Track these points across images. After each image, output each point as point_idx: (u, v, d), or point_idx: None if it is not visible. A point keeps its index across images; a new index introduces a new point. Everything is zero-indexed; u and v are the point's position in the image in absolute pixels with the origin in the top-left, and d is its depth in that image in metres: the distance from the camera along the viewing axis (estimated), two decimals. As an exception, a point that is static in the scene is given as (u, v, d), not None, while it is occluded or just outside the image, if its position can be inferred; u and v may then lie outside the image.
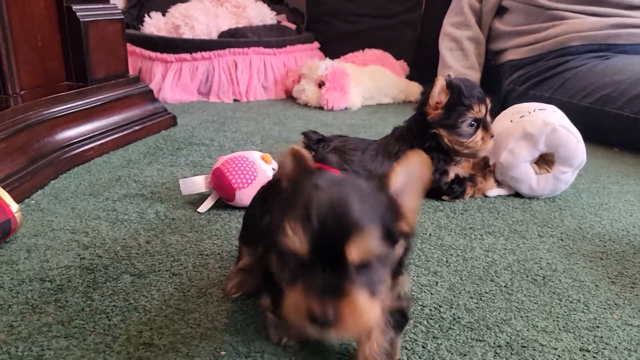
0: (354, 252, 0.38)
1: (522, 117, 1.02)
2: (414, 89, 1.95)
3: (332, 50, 2.18)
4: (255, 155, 0.94)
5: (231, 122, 1.53)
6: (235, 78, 1.82)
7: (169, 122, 1.43)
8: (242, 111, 1.68)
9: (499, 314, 0.64)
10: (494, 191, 1.03)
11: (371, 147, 1.01)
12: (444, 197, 1.00)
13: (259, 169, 0.91)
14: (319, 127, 1.51)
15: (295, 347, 0.56)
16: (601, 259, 0.80)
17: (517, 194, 1.04)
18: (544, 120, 0.96)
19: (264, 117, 1.61)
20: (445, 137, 0.97)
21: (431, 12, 2.19)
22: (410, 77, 2.07)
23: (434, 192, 1.00)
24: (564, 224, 0.92)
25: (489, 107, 0.97)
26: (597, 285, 0.72)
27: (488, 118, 0.98)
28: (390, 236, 0.41)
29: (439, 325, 0.61)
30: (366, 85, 1.85)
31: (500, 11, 1.70)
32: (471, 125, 0.95)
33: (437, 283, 0.71)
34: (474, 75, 1.70)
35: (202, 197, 0.95)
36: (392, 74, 1.94)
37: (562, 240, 0.86)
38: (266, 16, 2.09)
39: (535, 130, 0.96)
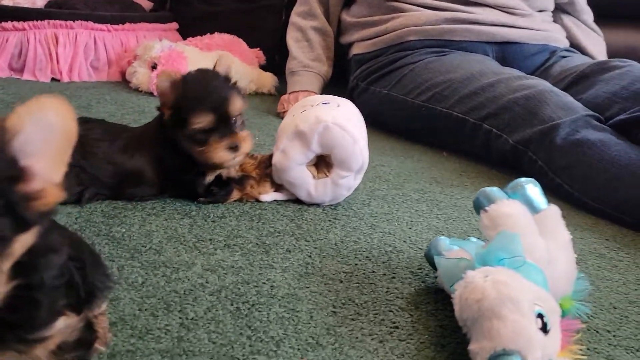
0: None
1: (303, 111, 0.88)
2: (268, 80, 1.80)
3: (191, 33, 1.98)
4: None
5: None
6: (54, 54, 1.59)
7: None
8: (52, 92, 1.45)
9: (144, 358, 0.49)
10: (268, 196, 0.89)
11: (123, 137, 0.84)
12: (199, 199, 0.85)
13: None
14: (132, 114, 1.34)
15: None
16: (341, 282, 0.67)
17: (299, 200, 0.91)
18: (317, 117, 0.83)
19: (72, 99, 1.39)
20: (182, 142, 0.81)
21: (297, -1, 2.05)
22: (267, 67, 1.92)
23: (191, 193, 0.85)
24: (327, 236, 0.79)
25: (231, 109, 0.80)
26: (311, 317, 0.59)
27: (239, 123, 0.82)
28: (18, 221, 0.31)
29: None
30: (209, 72, 1.67)
31: (349, 2, 1.59)
32: (202, 133, 0.79)
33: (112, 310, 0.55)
34: (321, 68, 1.57)
35: None
36: (241, 61, 1.78)
37: (310, 256, 0.73)
38: (111, -12, 1.87)
39: (307, 129, 0.83)
